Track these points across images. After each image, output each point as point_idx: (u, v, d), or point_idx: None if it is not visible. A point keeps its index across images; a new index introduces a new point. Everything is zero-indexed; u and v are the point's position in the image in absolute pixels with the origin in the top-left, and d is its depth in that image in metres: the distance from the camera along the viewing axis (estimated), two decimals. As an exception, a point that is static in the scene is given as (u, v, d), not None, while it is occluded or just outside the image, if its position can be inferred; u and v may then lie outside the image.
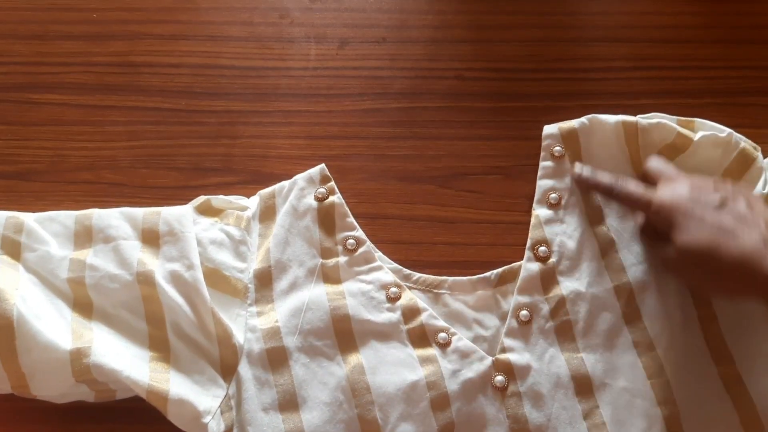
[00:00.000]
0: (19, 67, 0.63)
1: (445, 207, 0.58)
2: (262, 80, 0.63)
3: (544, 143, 0.56)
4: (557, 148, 0.56)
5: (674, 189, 0.48)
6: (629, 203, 0.51)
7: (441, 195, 0.58)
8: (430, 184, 0.59)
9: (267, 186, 0.58)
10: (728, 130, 0.53)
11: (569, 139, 0.56)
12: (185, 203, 0.58)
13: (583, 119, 0.56)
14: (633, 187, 0.50)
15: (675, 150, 0.54)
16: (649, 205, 0.48)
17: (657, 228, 0.49)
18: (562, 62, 0.62)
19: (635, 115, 0.58)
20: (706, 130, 0.53)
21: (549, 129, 0.57)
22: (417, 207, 0.58)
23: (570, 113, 0.60)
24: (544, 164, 0.56)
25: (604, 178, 0.52)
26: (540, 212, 0.55)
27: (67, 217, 0.54)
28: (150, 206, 0.58)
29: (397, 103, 0.62)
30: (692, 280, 0.49)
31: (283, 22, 0.65)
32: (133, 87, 0.62)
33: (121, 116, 0.62)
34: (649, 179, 0.52)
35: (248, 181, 0.59)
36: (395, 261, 0.56)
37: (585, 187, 0.54)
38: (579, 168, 0.54)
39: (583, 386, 0.49)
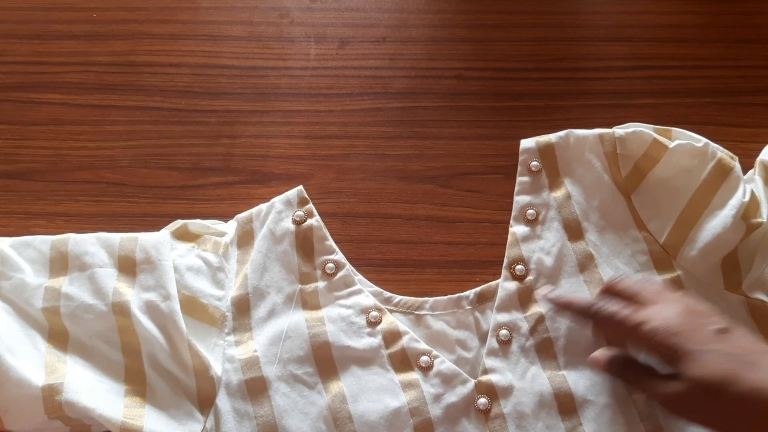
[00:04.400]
0: (19, 67, 0.63)
1: (445, 207, 0.58)
2: (262, 80, 0.63)
3: (521, 158, 0.56)
4: (534, 162, 0.56)
5: (666, 310, 0.42)
6: (612, 325, 0.44)
7: (441, 195, 0.58)
8: (430, 183, 0.59)
9: (267, 185, 0.58)
10: (704, 140, 0.52)
11: (546, 153, 0.56)
12: (185, 203, 0.58)
13: (561, 133, 0.56)
14: (616, 307, 0.44)
15: (651, 160, 0.53)
16: (637, 328, 0.42)
17: (644, 353, 0.45)
18: (562, 62, 0.62)
19: (634, 114, 0.58)
20: (682, 139, 0.53)
21: (526, 143, 0.57)
22: (417, 207, 0.58)
23: (570, 113, 0.60)
24: (521, 179, 0.56)
25: (579, 299, 0.47)
26: (517, 229, 0.54)
27: (43, 242, 0.53)
28: (150, 205, 0.58)
29: (397, 103, 0.62)
30: (702, 416, 0.41)
31: (283, 21, 0.65)
32: (133, 87, 0.62)
33: (121, 116, 0.62)
34: (623, 297, 0.46)
35: (248, 180, 0.59)
36: (395, 261, 0.56)
37: (558, 308, 0.50)
38: (545, 290, 0.51)
39: (566, 404, 0.49)
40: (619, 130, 0.54)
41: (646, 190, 0.54)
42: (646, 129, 0.54)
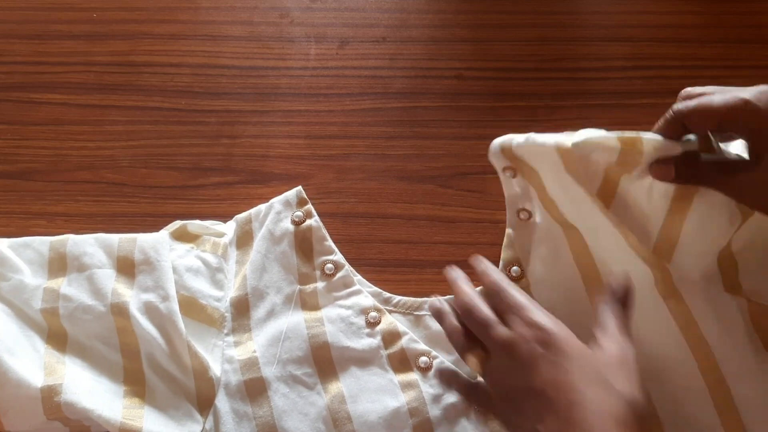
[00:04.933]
0: (19, 67, 0.63)
1: (445, 206, 0.58)
2: (262, 80, 0.63)
3: (495, 167, 0.51)
4: (506, 168, 0.50)
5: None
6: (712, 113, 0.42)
7: (441, 194, 0.58)
8: (430, 183, 0.59)
9: (267, 185, 0.58)
10: (679, 147, 0.44)
11: (514, 159, 0.50)
12: (185, 203, 0.58)
13: (521, 139, 0.48)
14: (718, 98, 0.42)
15: (624, 167, 0.46)
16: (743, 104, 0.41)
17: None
18: (562, 62, 0.62)
19: (635, 114, 0.58)
20: (658, 148, 0.44)
21: (493, 148, 0.50)
22: (417, 206, 0.58)
23: (570, 113, 0.60)
24: (505, 185, 0.52)
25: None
26: (512, 231, 0.53)
27: (42, 243, 0.53)
28: (150, 205, 0.58)
29: (397, 103, 0.62)
30: None
31: (283, 21, 0.65)
32: (133, 87, 0.63)
33: (121, 116, 0.62)
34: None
35: (248, 180, 0.59)
36: (395, 261, 0.56)
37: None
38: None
39: None
40: (576, 142, 0.46)
41: (622, 200, 0.48)
42: (609, 139, 0.45)
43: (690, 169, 0.45)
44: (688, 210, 0.47)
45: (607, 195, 0.48)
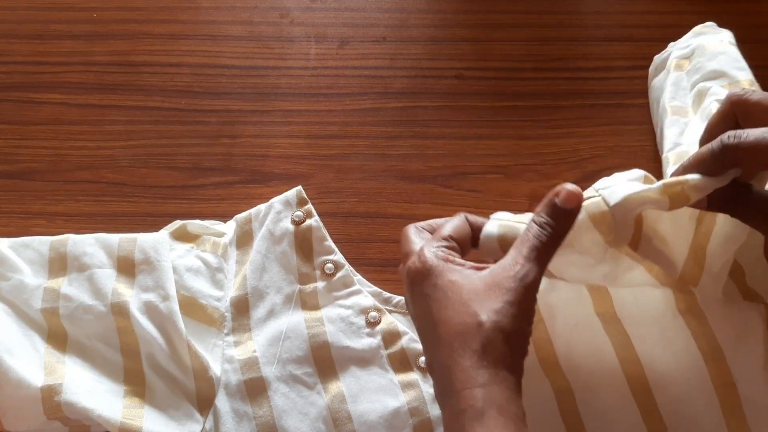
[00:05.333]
0: (19, 66, 0.63)
1: (445, 206, 0.58)
2: (262, 80, 0.63)
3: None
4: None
5: None
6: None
7: (441, 194, 0.58)
8: (430, 183, 0.59)
9: (267, 185, 0.59)
10: (725, 181, 0.40)
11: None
12: (185, 203, 0.58)
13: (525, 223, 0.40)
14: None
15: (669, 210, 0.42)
16: None
17: None
18: (562, 61, 0.62)
19: (634, 114, 0.58)
20: (704, 189, 0.39)
21: (487, 238, 0.43)
22: (417, 206, 0.58)
23: (570, 113, 0.60)
24: None
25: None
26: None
27: (42, 243, 0.53)
28: (150, 205, 0.58)
29: (398, 103, 0.62)
30: None
31: (283, 21, 0.65)
32: (133, 86, 0.63)
33: (121, 116, 0.62)
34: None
35: (248, 180, 0.59)
36: (395, 261, 0.56)
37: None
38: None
39: (567, 403, 0.49)
40: (611, 202, 0.39)
41: (647, 237, 0.44)
42: (642, 191, 0.39)
43: (725, 201, 0.40)
44: (713, 230, 0.44)
45: (636, 239, 0.44)
